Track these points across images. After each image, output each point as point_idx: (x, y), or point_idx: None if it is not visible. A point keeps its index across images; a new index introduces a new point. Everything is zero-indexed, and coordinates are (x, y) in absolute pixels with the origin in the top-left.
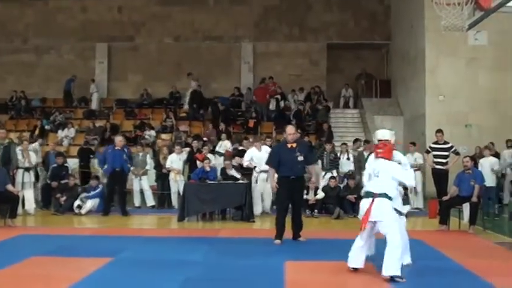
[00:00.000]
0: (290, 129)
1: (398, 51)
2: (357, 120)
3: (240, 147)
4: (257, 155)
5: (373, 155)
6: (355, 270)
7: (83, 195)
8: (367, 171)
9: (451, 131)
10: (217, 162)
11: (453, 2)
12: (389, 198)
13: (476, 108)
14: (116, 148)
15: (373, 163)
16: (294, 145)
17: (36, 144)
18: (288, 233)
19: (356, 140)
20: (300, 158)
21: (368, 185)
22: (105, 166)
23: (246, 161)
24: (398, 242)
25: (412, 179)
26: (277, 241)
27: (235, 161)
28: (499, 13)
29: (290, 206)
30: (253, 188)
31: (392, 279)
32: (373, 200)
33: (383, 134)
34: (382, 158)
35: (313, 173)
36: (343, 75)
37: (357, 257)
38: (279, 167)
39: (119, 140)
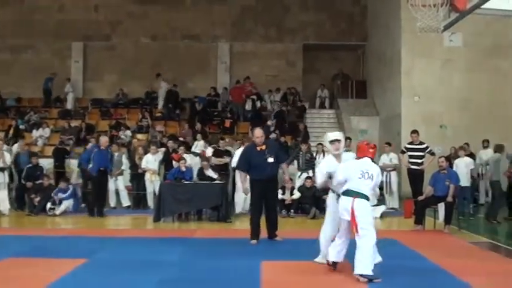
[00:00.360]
0: (258, 132)
1: (374, 52)
2: (332, 120)
3: (211, 148)
4: None
5: (330, 156)
6: (335, 264)
7: (55, 196)
8: (349, 170)
9: (426, 131)
10: (193, 162)
11: (429, 3)
12: (368, 199)
13: (451, 108)
14: (102, 148)
15: (362, 163)
16: (263, 147)
17: (16, 146)
18: (264, 233)
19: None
20: (270, 160)
21: (354, 184)
22: (90, 165)
23: (235, 162)
24: (373, 244)
25: None
26: (254, 241)
27: (212, 161)
28: (473, 15)
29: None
30: (237, 187)
31: (370, 281)
32: (354, 200)
33: (335, 135)
34: (370, 158)
35: (287, 171)
36: (319, 75)
37: (337, 250)
38: (250, 170)
39: (105, 140)
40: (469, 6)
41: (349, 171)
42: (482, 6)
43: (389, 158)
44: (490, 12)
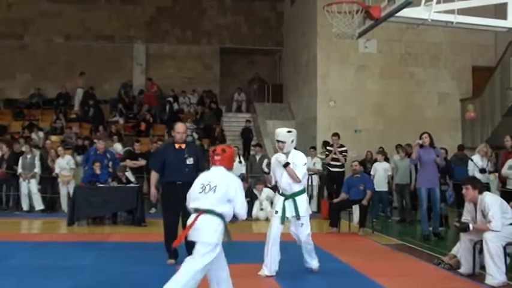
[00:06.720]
0: (180, 127)
1: (290, 57)
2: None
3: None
4: None
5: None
6: None
7: None
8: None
9: (341, 135)
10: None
11: (344, 10)
12: (220, 215)
13: (365, 113)
14: (98, 152)
15: (205, 175)
16: (183, 146)
17: None
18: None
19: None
20: (189, 161)
21: (197, 201)
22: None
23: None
24: (195, 270)
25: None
26: (171, 261)
27: (127, 163)
28: (388, 22)
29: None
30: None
31: None
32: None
33: (276, 134)
34: (220, 166)
35: None
36: (236, 79)
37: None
38: (164, 170)
39: (101, 144)
40: (383, 14)
41: (193, 186)
42: (396, 15)
43: (313, 162)
44: (403, 21)
